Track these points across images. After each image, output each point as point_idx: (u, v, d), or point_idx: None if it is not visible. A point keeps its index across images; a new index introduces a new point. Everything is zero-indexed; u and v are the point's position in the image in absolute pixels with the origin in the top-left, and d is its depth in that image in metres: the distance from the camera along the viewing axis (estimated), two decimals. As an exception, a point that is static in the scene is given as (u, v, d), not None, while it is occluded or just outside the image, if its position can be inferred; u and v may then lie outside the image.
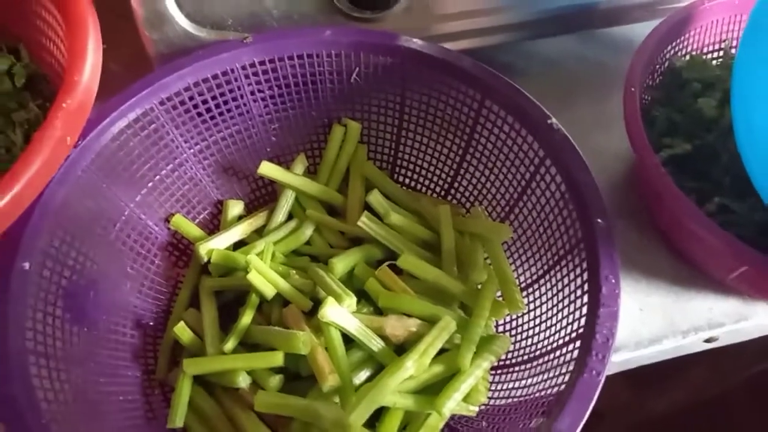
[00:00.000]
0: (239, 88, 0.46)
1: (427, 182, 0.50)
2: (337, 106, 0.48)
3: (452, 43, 0.52)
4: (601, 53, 0.61)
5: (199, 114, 0.45)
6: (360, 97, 0.48)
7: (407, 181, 0.51)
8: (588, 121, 0.56)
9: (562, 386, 0.33)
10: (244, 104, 0.46)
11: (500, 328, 0.44)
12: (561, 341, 0.37)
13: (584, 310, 0.35)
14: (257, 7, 0.47)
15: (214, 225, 0.50)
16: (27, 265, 0.36)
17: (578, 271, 0.37)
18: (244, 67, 0.45)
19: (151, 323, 0.45)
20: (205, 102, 0.45)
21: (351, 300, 0.40)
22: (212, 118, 0.46)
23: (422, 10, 0.50)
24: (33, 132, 0.47)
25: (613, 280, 0.34)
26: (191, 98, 0.44)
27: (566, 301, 0.38)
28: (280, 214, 0.48)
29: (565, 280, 0.38)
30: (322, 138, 0.50)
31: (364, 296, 0.43)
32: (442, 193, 0.50)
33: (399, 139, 0.49)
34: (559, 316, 0.38)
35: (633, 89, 0.42)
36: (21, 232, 0.36)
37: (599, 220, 0.36)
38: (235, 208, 0.49)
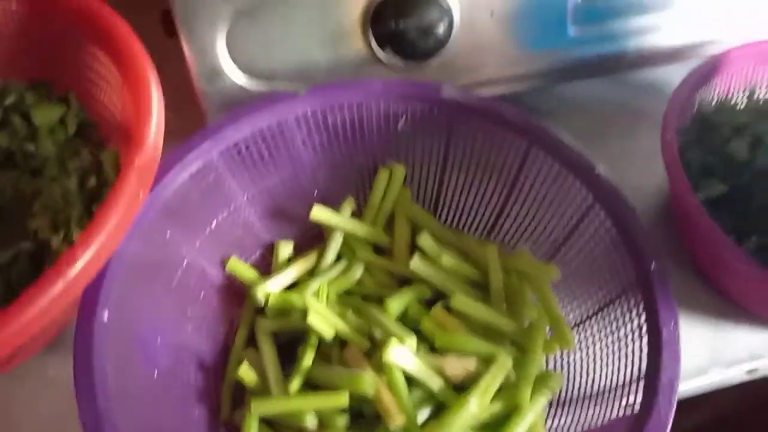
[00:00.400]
0: (291, 137, 0.47)
1: (469, 221, 0.52)
2: (382, 152, 0.51)
3: (486, 89, 0.54)
4: (624, 93, 0.64)
5: (253, 162, 0.47)
6: (405, 143, 0.50)
7: (449, 220, 0.53)
8: (615, 160, 0.58)
9: (628, 426, 0.35)
10: (295, 152, 0.49)
11: (551, 365, 0.45)
12: (621, 380, 0.38)
13: (645, 351, 0.37)
14: (306, 60, 0.49)
15: (264, 265, 0.51)
16: (106, 315, 0.38)
17: (634, 312, 0.39)
18: (297, 118, 0.47)
19: (212, 364, 0.47)
20: (259, 150, 0.47)
21: (412, 341, 0.42)
22: (265, 165, 0.48)
23: (459, 60, 0.52)
24: (87, 178, 0.49)
25: (673, 323, 0.36)
26: (247, 147, 0.46)
27: (623, 341, 0.40)
28: (330, 255, 0.50)
29: (620, 321, 0.40)
30: (368, 181, 0.52)
31: (416, 334, 0.45)
32: (485, 232, 0.52)
33: (442, 181, 0.51)
34: (615, 356, 0.40)
35: (670, 137, 0.44)
36: (98, 285, 0.38)
37: (653, 264, 0.38)
38: (286, 249, 0.50)
